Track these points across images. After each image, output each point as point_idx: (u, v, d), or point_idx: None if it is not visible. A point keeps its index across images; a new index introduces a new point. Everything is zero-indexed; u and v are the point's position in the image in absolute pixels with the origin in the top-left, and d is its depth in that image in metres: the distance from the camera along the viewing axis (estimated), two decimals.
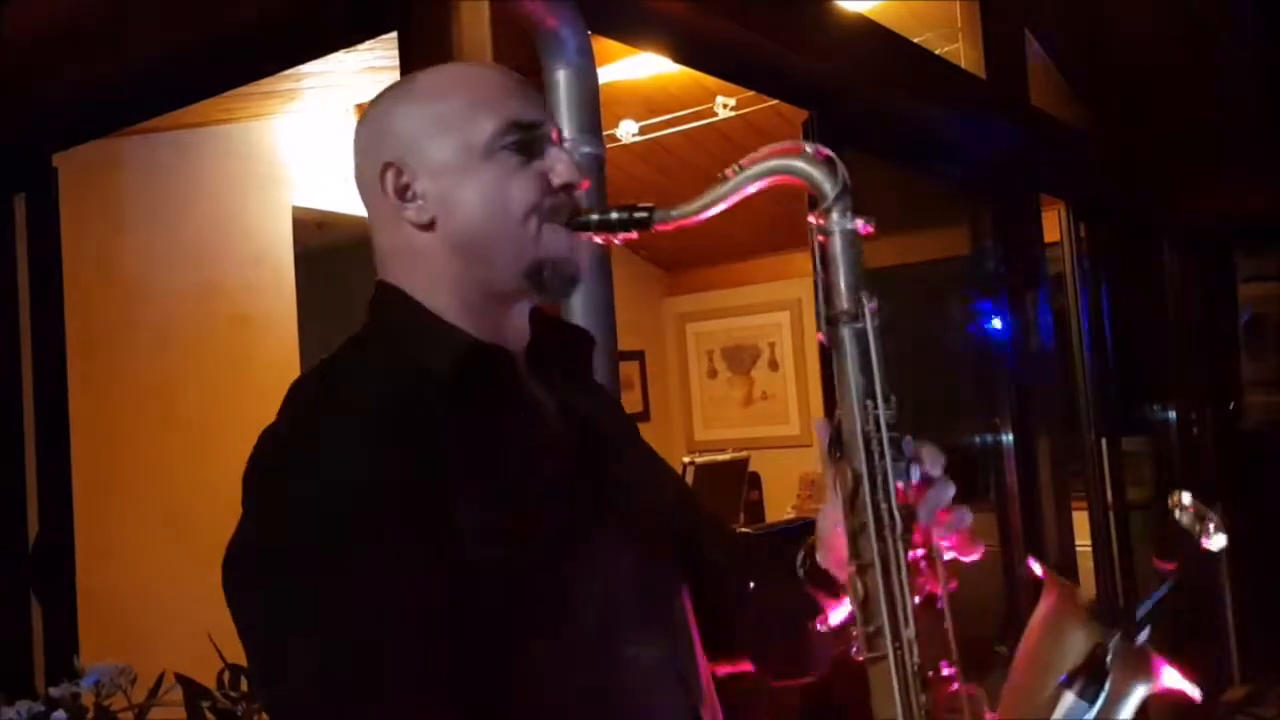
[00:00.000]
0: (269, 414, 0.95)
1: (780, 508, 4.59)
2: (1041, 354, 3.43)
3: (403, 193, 0.99)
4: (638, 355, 5.72)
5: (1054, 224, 3.88)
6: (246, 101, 3.28)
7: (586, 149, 1.62)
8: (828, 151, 0.94)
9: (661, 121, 3.93)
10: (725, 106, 3.75)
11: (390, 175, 0.99)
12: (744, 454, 4.46)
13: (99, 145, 2.73)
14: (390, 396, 0.93)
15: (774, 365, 5.69)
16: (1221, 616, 4.50)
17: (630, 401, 5.45)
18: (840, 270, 0.94)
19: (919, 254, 3.68)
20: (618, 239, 1.01)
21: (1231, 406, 4.74)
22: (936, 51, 3.25)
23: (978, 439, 3.48)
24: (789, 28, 2.44)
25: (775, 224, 4.43)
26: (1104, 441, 3.90)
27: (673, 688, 1.00)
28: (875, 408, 0.93)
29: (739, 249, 5.30)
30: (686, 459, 4.09)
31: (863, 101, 2.72)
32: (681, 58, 2.30)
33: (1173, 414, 4.53)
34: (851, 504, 0.93)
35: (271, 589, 0.87)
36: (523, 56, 1.64)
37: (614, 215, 0.98)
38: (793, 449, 5.18)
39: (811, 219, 0.94)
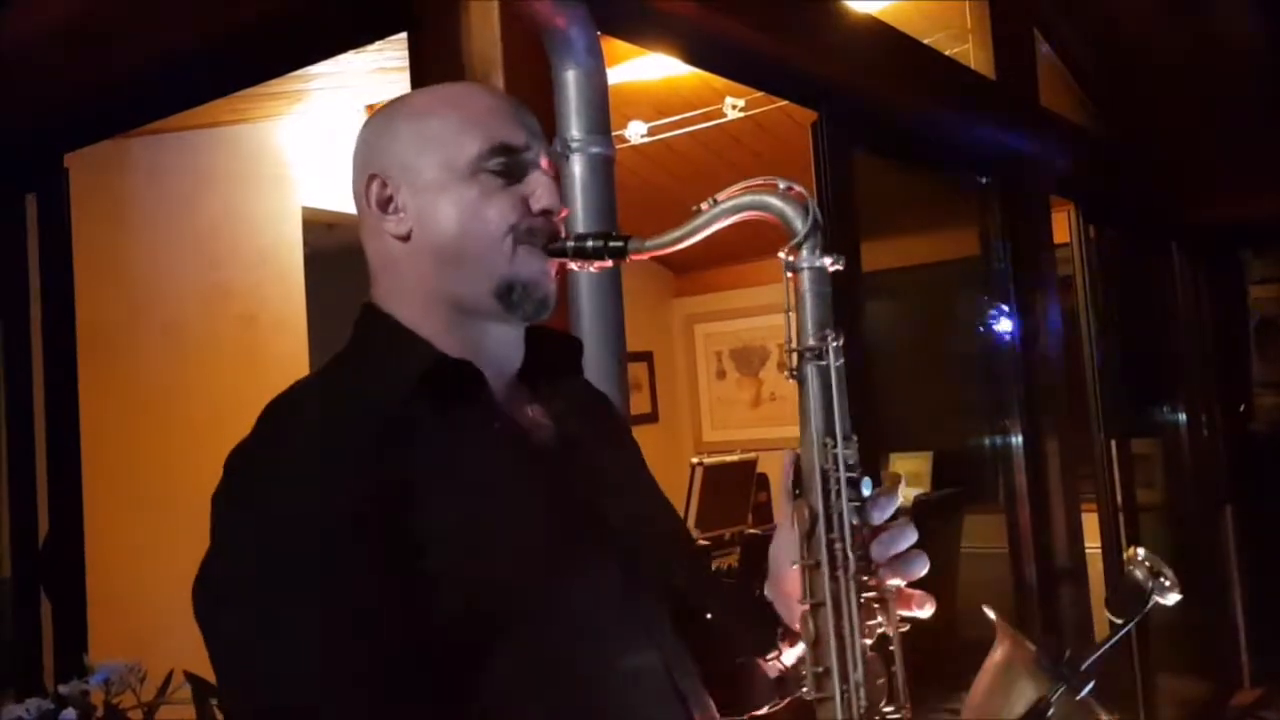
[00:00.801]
0: None
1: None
2: (1051, 355, 3.42)
3: (385, 204, 1.01)
4: (646, 356, 5.72)
5: (1063, 225, 3.87)
6: (256, 102, 3.29)
7: (596, 149, 1.62)
8: (800, 189, 0.96)
9: (670, 123, 3.93)
10: (734, 108, 3.75)
11: (375, 186, 1.01)
12: (752, 455, 4.46)
13: (109, 145, 2.74)
14: (347, 420, 0.94)
15: (782, 366, 5.69)
16: (1232, 619, 4.49)
17: (639, 402, 5.44)
18: (808, 306, 0.95)
19: (928, 255, 3.68)
20: (593, 267, 1.02)
21: (1242, 408, 4.72)
22: (946, 52, 3.24)
23: (987, 440, 3.47)
24: (798, 28, 2.44)
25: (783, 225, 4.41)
26: (1114, 443, 3.89)
27: (675, 708, 1.00)
28: (834, 446, 0.95)
29: (748, 250, 5.30)
30: (695, 460, 4.09)
31: (872, 102, 2.71)
32: (690, 59, 2.30)
33: (1183, 416, 4.51)
34: (807, 542, 0.94)
35: (216, 620, 0.89)
36: (532, 57, 1.64)
37: (590, 244, 1.00)
38: None
39: (782, 254, 0.96)
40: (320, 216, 3.69)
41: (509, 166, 1.00)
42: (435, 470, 0.94)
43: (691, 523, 3.84)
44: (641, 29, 2.07)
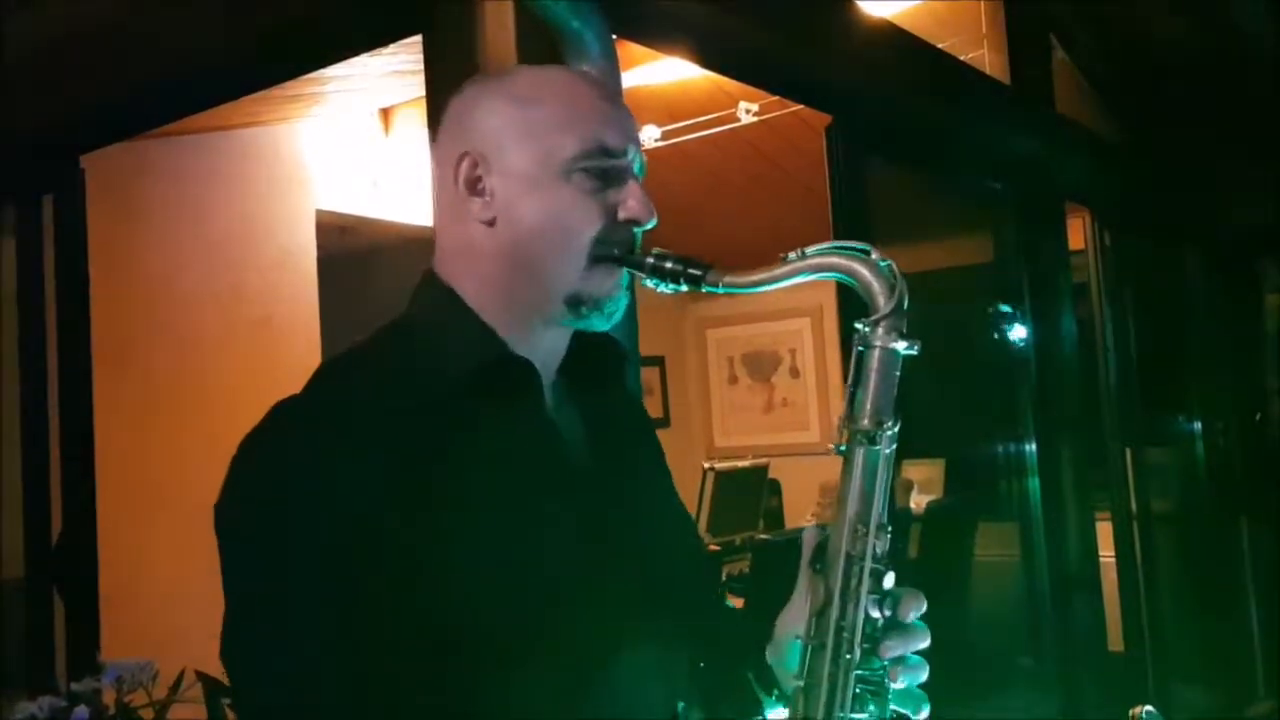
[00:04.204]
0: None
1: (800, 514, 4.57)
2: (1065, 363, 3.40)
3: (473, 185, 0.98)
4: (658, 361, 5.72)
5: (1079, 232, 3.85)
6: (271, 105, 3.30)
7: None
8: (893, 265, 0.93)
9: (684, 127, 3.92)
10: (748, 112, 3.74)
11: (465, 165, 0.98)
12: (764, 461, 4.45)
13: (126, 148, 2.75)
14: (393, 406, 0.93)
15: (794, 372, 5.67)
16: (1247, 630, 4.45)
17: (651, 407, 5.43)
18: (870, 386, 0.92)
19: (942, 261, 3.66)
20: (666, 288, 0.98)
21: (1258, 417, 4.69)
22: (962, 57, 3.23)
23: (1000, 448, 3.45)
24: (812, 32, 2.43)
25: (797, 230, 4.41)
26: (1128, 452, 3.86)
27: None
28: (865, 533, 0.92)
29: (760, 255, 5.28)
30: (706, 465, 4.08)
31: (886, 107, 2.70)
32: (704, 61, 2.30)
33: (1198, 424, 4.48)
34: (816, 620, 0.93)
35: (223, 549, 0.90)
36: (547, 59, 1.64)
37: (669, 264, 0.96)
38: (813, 456, 5.16)
39: (858, 325, 0.93)
40: (334, 220, 3.69)
41: (604, 171, 0.97)
42: (470, 467, 0.93)
43: (703, 528, 3.84)
44: (655, 31, 2.07)
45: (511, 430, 0.96)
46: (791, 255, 0.94)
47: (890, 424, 0.92)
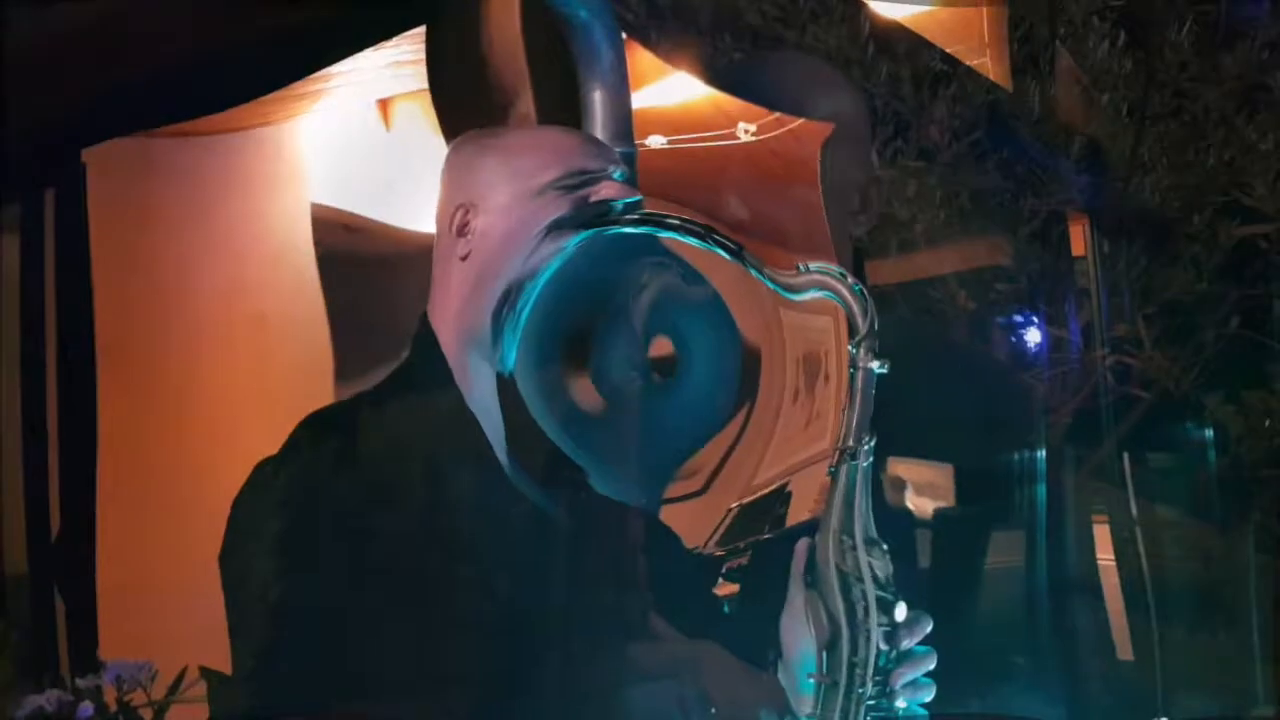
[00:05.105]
0: (288, 413, 0.96)
1: (800, 514, 4.56)
2: (1068, 367, 3.40)
3: (461, 229, 1.04)
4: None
5: (1080, 238, 3.85)
6: (277, 104, 3.29)
7: (619, 149, 1.61)
8: (864, 290, 1.01)
9: (684, 139, 3.92)
10: (746, 132, 3.74)
11: (458, 215, 1.05)
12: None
13: (131, 146, 2.75)
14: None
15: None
16: (1249, 635, 4.44)
17: None
18: (857, 406, 0.99)
19: (943, 267, 3.66)
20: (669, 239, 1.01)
21: (1266, 424, 4.68)
22: (966, 64, 3.23)
23: (1001, 452, 3.45)
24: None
25: (802, 235, 4.41)
26: (1126, 456, 3.86)
27: None
28: (852, 546, 0.97)
29: (768, 258, 5.28)
30: None
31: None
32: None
33: (1205, 430, 4.47)
34: (828, 656, 0.96)
35: None
36: (553, 50, 1.63)
37: (671, 219, 1.00)
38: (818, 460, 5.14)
39: (850, 348, 1.01)
40: (334, 215, 3.67)
41: (580, 183, 1.01)
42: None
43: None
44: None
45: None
46: (799, 266, 1.03)
47: (868, 439, 1.00)
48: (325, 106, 3.77)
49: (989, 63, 3.39)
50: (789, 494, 4.53)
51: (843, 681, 0.93)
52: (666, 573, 1.17)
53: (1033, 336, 3.34)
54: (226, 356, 3.58)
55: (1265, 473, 3.56)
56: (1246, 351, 3.63)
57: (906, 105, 3.24)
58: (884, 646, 0.94)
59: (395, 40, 2.14)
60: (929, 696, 0.96)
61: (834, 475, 0.99)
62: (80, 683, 1.87)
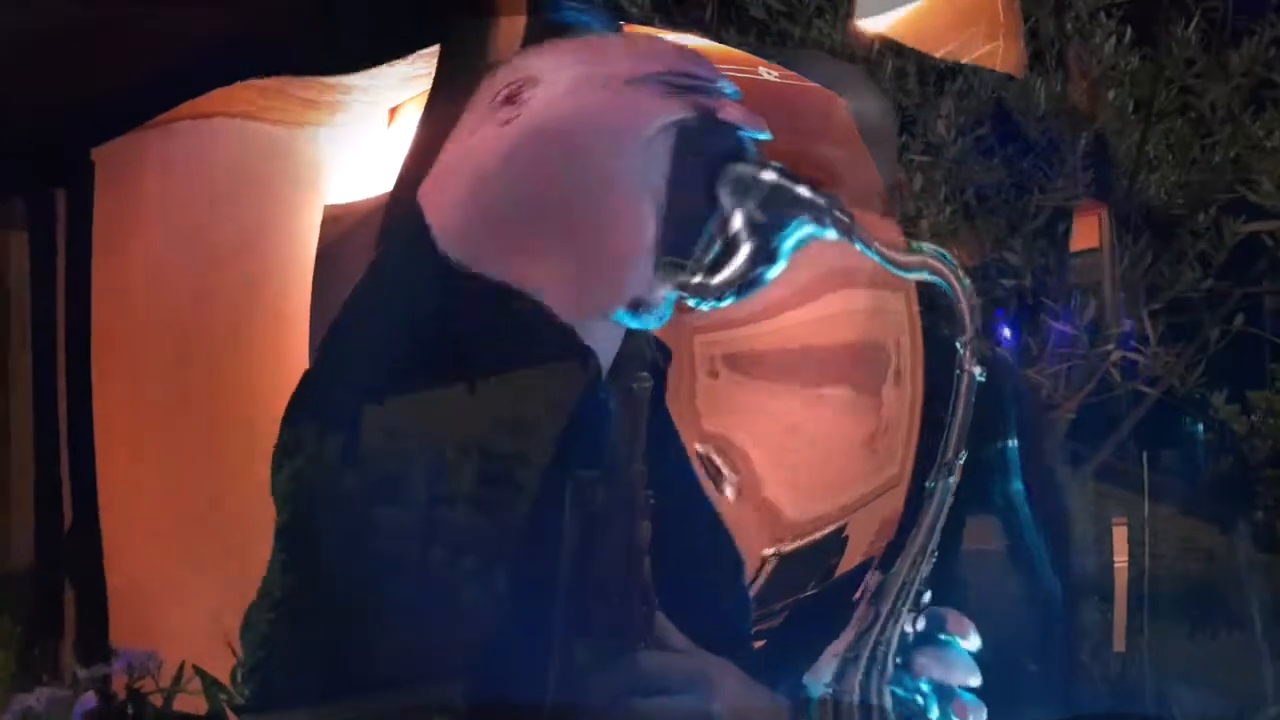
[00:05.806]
0: None
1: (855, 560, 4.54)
2: (1080, 363, 3.39)
3: (512, 98, 0.95)
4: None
5: (1093, 230, 3.82)
6: (293, 108, 3.30)
7: None
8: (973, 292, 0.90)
9: None
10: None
11: (507, 90, 0.96)
12: None
13: (137, 138, 2.76)
14: None
15: None
16: (1254, 634, 4.41)
17: None
18: (958, 416, 0.90)
19: (956, 258, 3.63)
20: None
21: (1270, 423, 4.64)
22: (979, 50, 3.20)
23: (1000, 450, 3.43)
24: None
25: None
26: (1145, 455, 3.84)
27: None
28: (923, 560, 0.92)
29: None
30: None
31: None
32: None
33: (1212, 427, 4.44)
34: (855, 634, 0.92)
35: None
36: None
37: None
38: None
39: (958, 345, 0.90)
40: (335, 212, 3.69)
41: (689, 86, 0.89)
42: None
43: None
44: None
45: None
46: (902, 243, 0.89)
47: (962, 455, 0.91)
48: (345, 119, 3.78)
49: (1001, 48, 3.36)
50: (845, 539, 4.50)
51: (864, 659, 0.88)
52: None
53: (1037, 332, 3.32)
54: (245, 356, 3.60)
55: (1269, 472, 3.53)
56: (1251, 348, 3.60)
57: (912, 100, 3.21)
58: (907, 629, 0.90)
59: (410, 58, 2.14)
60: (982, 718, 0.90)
61: (929, 493, 0.90)
62: (82, 675, 1.88)
